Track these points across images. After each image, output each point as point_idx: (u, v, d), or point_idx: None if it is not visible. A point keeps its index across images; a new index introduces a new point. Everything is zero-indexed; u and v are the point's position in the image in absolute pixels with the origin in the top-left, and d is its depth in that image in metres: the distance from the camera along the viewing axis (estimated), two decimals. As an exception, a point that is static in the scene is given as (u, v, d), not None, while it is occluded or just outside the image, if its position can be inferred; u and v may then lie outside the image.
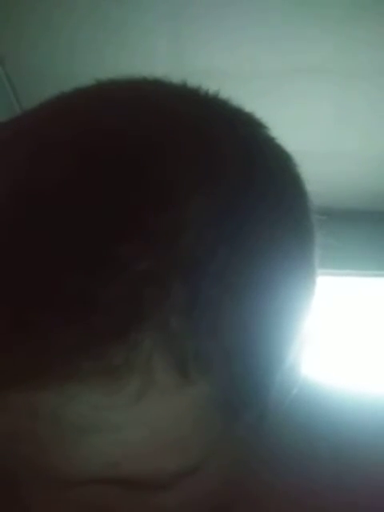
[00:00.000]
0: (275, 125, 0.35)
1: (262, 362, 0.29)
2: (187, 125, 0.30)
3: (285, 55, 1.60)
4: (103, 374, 0.26)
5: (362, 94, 1.69)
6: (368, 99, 1.71)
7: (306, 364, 0.36)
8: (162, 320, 0.26)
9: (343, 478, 0.41)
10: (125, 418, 0.27)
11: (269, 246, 0.29)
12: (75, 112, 0.31)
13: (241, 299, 0.28)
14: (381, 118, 1.77)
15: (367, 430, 0.42)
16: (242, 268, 0.28)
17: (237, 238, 0.28)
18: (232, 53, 1.60)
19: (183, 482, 0.30)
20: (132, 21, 1.54)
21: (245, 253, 0.28)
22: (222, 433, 0.30)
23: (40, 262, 0.26)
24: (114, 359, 0.26)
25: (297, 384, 0.35)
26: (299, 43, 1.56)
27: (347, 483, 0.41)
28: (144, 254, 0.26)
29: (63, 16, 1.55)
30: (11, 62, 1.69)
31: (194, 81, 0.35)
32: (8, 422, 0.27)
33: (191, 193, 0.28)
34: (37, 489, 0.30)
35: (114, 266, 0.26)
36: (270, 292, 0.29)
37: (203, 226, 0.27)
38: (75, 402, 0.27)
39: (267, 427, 0.33)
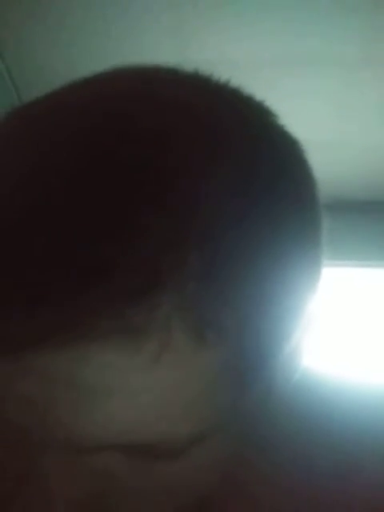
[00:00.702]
0: (279, 114, 0.35)
1: (271, 332, 0.30)
2: (196, 113, 0.31)
3: (287, 45, 1.59)
4: (122, 335, 0.27)
5: (364, 83, 1.69)
6: (370, 89, 1.70)
7: (308, 353, 0.36)
8: (179, 285, 0.27)
9: (341, 468, 0.41)
10: (141, 380, 0.28)
11: (280, 225, 0.30)
12: (89, 100, 0.32)
13: (253, 270, 0.29)
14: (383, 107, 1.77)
15: (366, 420, 0.42)
16: (255, 241, 0.29)
17: (250, 214, 0.30)
18: (234, 43, 1.60)
19: (193, 451, 0.31)
20: (135, 12, 1.54)
21: (257, 228, 0.30)
22: (231, 402, 0.30)
23: (66, 227, 0.27)
24: (133, 320, 0.27)
25: (299, 368, 0.36)
26: (301, 33, 1.56)
27: (345, 473, 0.41)
28: (163, 223, 0.27)
29: (64, 8, 1.54)
30: (12, 55, 1.69)
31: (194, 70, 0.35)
32: (25, 385, 0.28)
33: (205, 172, 0.29)
34: (52, 454, 0.30)
35: (136, 233, 0.27)
36: (280, 266, 0.30)
37: (218, 201, 0.29)
38: (93, 362, 0.27)
39: (271, 407, 0.34)
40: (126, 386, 0.28)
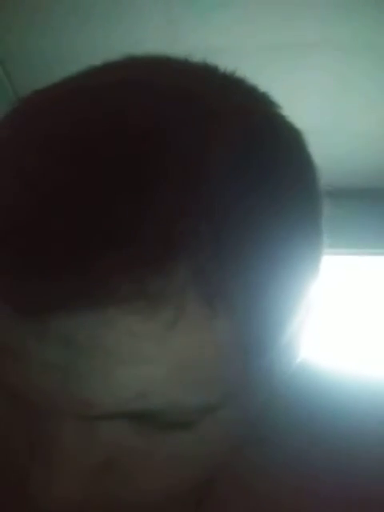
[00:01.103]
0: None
1: (276, 307, 0.31)
2: (198, 102, 0.32)
3: (283, 30, 1.59)
4: (140, 300, 0.28)
5: (362, 69, 1.68)
6: (369, 74, 1.70)
7: (307, 343, 0.37)
8: (192, 255, 0.28)
9: (340, 461, 0.41)
10: (156, 348, 0.29)
11: (284, 202, 0.32)
12: (95, 91, 0.33)
13: (260, 245, 0.30)
14: (382, 93, 1.76)
15: (365, 412, 0.43)
16: (261, 218, 0.31)
17: (255, 192, 0.31)
18: (229, 28, 1.59)
19: (202, 423, 0.32)
20: (125, 1, 1.53)
21: (263, 205, 0.31)
22: (239, 374, 0.31)
23: (85, 198, 0.29)
24: (151, 287, 0.28)
25: (299, 355, 0.36)
26: (298, 18, 1.55)
27: (344, 466, 0.41)
28: (176, 197, 0.29)
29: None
30: (3, 43, 1.68)
31: (191, 57, 0.36)
32: (45, 348, 0.29)
33: (212, 152, 0.30)
34: (65, 422, 0.31)
35: (152, 203, 0.28)
36: (284, 245, 0.31)
37: (224, 179, 0.30)
38: (111, 326, 0.28)
39: (274, 386, 0.35)
40: (141, 353, 0.29)
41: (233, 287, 0.29)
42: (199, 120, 0.31)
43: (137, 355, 0.29)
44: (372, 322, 2.07)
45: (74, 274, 0.28)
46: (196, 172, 0.30)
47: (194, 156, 0.30)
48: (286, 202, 0.32)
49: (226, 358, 0.30)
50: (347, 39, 1.61)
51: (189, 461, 0.34)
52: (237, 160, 0.31)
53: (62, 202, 0.29)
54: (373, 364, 0.49)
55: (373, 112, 1.84)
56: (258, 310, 0.30)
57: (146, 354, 0.29)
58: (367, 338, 2.05)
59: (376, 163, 2.07)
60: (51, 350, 0.29)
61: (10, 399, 0.32)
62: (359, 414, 0.42)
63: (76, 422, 0.31)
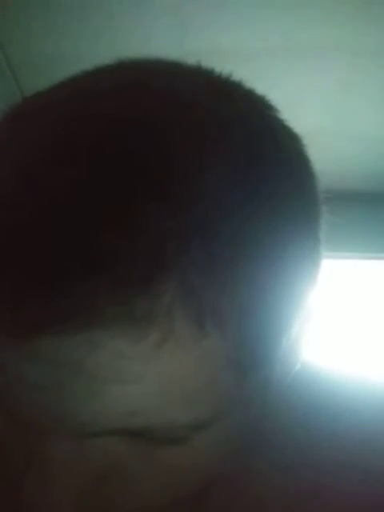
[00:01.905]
0: (278, 104, 0.36)
1: (271, 322, 0.31)
2: (196, 106, 0.32)
3: (288, 34, 1.59)
4: (126, 322, 0.28)
5: (367, 73, 1.68)
6: (374, 79, 1.69)
7: (307, 347, 0.36)
8: (182, 274, 0.28)
9: (340, 465, 0.41)
10: (144, 368, 0.29)
11: (279, 215, 0.31)
12: (99, 91, 0.33)
13: (254, 260, 0.30)
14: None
15: (366, 415, 0.43)
16: (255, 232, 0.30)
17: (249, 205, 0.30)
18: (234, 31, 1.59)
19: (194, 438, 0.32)
20: (132, 1, 1.53)
21: (257, 219, 0.30)
22: (232, 390, 0.31)
23: (70, 217, 0.28)
24: (137, 308, 0.28)
25: (298, 361, 0.36)
26: (303, 21, 1.55)
27: (344, 469, 0.41)
28: (167, 214, 0.28)
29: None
30: (11, 44, 1.68)
31: (195, 60, 0.36)
32: (32, 370, 0.29)
33: (206, 161, 0.30)
34: (55, 439, 0.31)
35: (140, 222, 0.28)
36: (281, 257, 0.31)
37: (218, 190, 0.30)
38: (99, 349, 0.28)
39: (269, 401, 0.35)
40: (131, 373, 0.29)
41: (224, 304, 0.29)
42: (198, 131, 0.31)
43: (125, 375, 0.29)
44: (371, 326, 2.06)
45: (60, 297, 0.27)
46: (191, 188, 0.29)
47: (190, 171, 0.29)
48: (283, 214, 0.31)
49: (217, 376, 0.30)
50: (351, 42, 1.61)
51: (182, 473, 0.34)
52: (234, 173, 0.30)
53: (48, 222, 0.28)
54: (372, 367, 0.49)
55: (376, 115, 1.84)
56: (252, 326, 0.30)
57: (135, 373, 0.29)
58: (366, 341, 2.04)
59: (379, 166, 2.06)
60: (40, 371, 0.29)
61: (5, 414, 0.32)
62: (359, 416, 0.42)
63: (68, 438, 0.31)
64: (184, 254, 0.28)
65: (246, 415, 0.34)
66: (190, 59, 0.35)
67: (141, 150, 0.29)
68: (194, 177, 0.29)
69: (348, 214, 2.02)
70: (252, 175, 0.31)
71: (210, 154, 0.30)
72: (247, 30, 1.59)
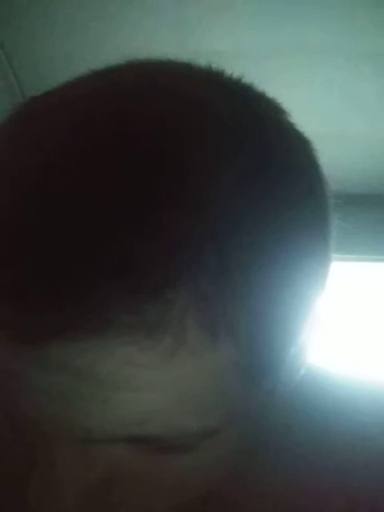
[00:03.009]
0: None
1: (282, 328, 0.31)
2: (209, 108, 0.32)
3: (290, 36, 1.58)
4: (138, 330, 0.27)
5: (369, 75, 1.68)
6: (376, 81, 1.69)
7: (312, 350, 0.36)
8: (194, 281, 0.28)
9: (344, 467, 0.41)
10: (155, 376, 0.28)
11: (290, 221, 0.31)
12: (112, 92, 0.33)
13: (266, 266, 0.30)
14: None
15: (369, 418, 0.42)
16: (267, 239, 0.30)
17: (262, 211, 0.30)
18: (236, 34, 1.59)
19: (202, 445, 0.32)
20: (135, 2, 1.53)
21: (269, 225, 0.30)
22: (241, 399, 0.31)
23: (84, 224, 0.28)
24: (150, 315, 0.27)
25: (304, 365, 0.36)
26: (305, 24, 1.55)
27: (348, 472, 0.41)
28: (179, 220, 0.28)
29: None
30: (12, 43, 1.68)
31: (198, 62, 0.35)
32: (43, 376, 0.29)
33: (218, 167, 0.30)
34: (63, 446, 0.31)
35: (153, 229, 0.28)
36: (292, 264, 0.31)
37: (230, 197, 0.29)
38: (110, 356, 0.28)
39: (275, 404, 0.35)
40: (142, 381, 0.29)
41: (236, 311, 0.29)
42: (212, 134, 0.31)
43: (135, 383, 0.28)
44: (373, 328, 2.06)
45: (72, 303, 0.27)
46: (203, 193, 0.29)
47: (203, 176, 0.29)
48: (294, 220, 0.31)
49: (228, 383, 0.30)
50: (354, 45, 1.60)
51: (188, 478, 0.34)
52: (246, 178, 0.30)
53: (61, 227, 0.28)
54: (375, 369, 0.49)
55: (377, 118, 1.84)
56: (263, 333, 0.30)
57: (145, 381, 0.28)
58: (369, 343, 2.04)
59: (381, 169, 2.06)
60: (49, 376, 0.29)
61: (10, 419, 0.32)
62: (362, 416, 0.42)
63: (75, 444, 0.31)
64: (196, 261, 0.28)
65: (253, 422, 0.34)
66: (192, 60, 0.35)
67: (154, 154, 0.29)
68: (208, 181, 0.29)
69: (350, 216, 2.02)
70: (264, 180, 0.31)
71: (223, 158, 0.30)
72: (249, 32, 1.59)
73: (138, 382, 0.28)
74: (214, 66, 0.35)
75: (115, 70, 0.35)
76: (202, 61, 0.35)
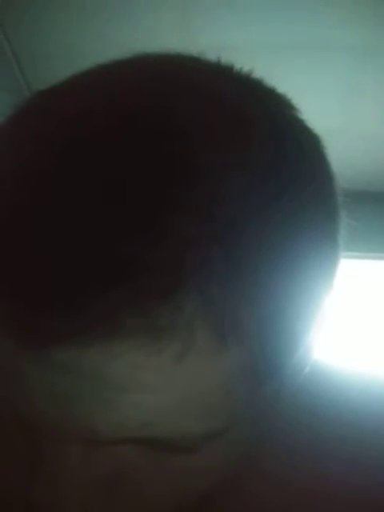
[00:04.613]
0: None
1: (290, 331, 0.30)
2: (220, 103, 0.31)
3: (295, 30, 1.58)
4: (147, 334, 0.27)
5: (373, 70, 1.67)
6: (379, 76, 1.69)
7: (317, 347, 0.36)
8: (203, 285, 0.28)
9: (347, 464, 0.41)
10: (163, 379, 0.28)
11: (300, 221, 0.30)
12: (122, 86, 0.32)
13: (274, 269, 0.29)
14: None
15: (374, 415, 0.42)
16: (276, 240, 0.29)
17: (271, 212, 0.30)
18: (241, 28, 1.59)
19: (207, 446, 0.32)
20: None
21: (278, 226, 0.30)
22: (247, 401, 0.31)
23: (91, 228, 0.28)
24: (158, 320, 0.27)
25: (309, 363, 0.36)
26: (309, 18, 1.54)
27: (349, 466, 0.41)
28: (188, 222, 0.28)
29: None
30: (18, 40, 1.68)
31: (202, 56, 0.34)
32: (51, 379, 0.28)
33: (227, 168, 0.29)
34: (68, 445, 0.31)
35: (161, 232, 0.27)
36: (301, 265, 0.30)
37: (239, 199, 0.29)
38: (117, 360, 0.28)
39: (279, 402, 0.34)
40: (149, 384, 0.28)
41: (245, 314, 0.28)
42: (223, 130, 0.30)
43: (142, 386, 0.28)
44: (374, 325, 2.07)
45: (80, 307, 0.27)
46: (212, 194, 0.28)
47: (212, 175, 0.29)
48: (304, 220, 0.31)
49: (235, 385, 0.30)
50: (360, 40, 1.60)
51: (192, 479, 0.33)
52: (256, 178, 0.30)
53: (68, 230, 0.28)
54: (376, 364, 0.49)
55: (381, 115, 1.83)
56: (271, 336, 0.30)
57: (152, 384, 0.28)
58: (373, 341, 2.04)
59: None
60: (53, 377, 0.28)
61: (13, 419, 0.32)
62: (364, 413, 0.42)
63: (80, 444, 0.31)
64: (205, 265, 0.28)
65: (259, 422, 0.34)
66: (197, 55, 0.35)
67: (164, 153, 0.29)
68: (217, 182, 0.29)
69: (357, 213, 2.01)
70: (275, 181, 0.30)
71: (234, 157, 0.30)
72: (254, 27, 1.59)
73: (145, 384, 0.28)
74: (222, 60, 0.34)
75: (123, 63, 0.34)
76: (205, 55, 0.34)
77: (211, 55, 0.35)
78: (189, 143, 0.29)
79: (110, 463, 0.32)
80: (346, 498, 0.40)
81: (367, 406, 0.42)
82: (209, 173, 0.29)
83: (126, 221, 0.28)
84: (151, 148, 0.29)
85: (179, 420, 0.30)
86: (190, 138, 0.29)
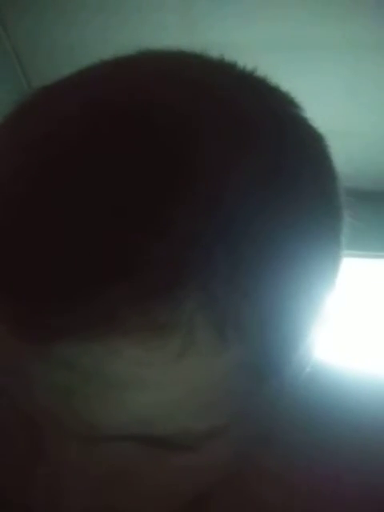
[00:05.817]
0: None
1: (291, 328, 0.30)
2: (224, 100, 0.31)
3: (296, 29, 1.58)
4: (147, 330, 0.27)
5: (374, 69, 1.67)
6: (381, 75, 1.69)
7: (318, 346, 0.36)
8: (204, 282, 0.27)
9: (345, 462, 0.41)
10: (163, 376, 0.28)
11: (303, 219, 0.30)
12: (126, 82, 0.32)
13: (276, 266, 0.29)
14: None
15: (376, 415, 0.42)
16: (279, 238, 0.29)
17: (274, 209, 0.29)
18: (242, 26, 1.59)
19: (208, 444, 0.31)
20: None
21: (281, 224, 0.29)
22: (248, 398, 0.31)
23: (92, 223, 0.28)
24: (159, 316, 0.27)
25: (310, 362, 0.36)
26: (310, 17, 1.54)
27: (349, 467, 0.41)
28: (190, 218, 0.27)
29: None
30: (19, 37, 1.68)
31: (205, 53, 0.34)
32: (52, 375, 0.28)
33: (230, 164, 0.29)
34: (68, 441, 0.31)
35: (163, 228, 0.27)
36: (302, 263, 0.30)
37: (241, 195, 0.29)
38: (118, 356, 0.28)
39: (280, 401, 0.34)
40: (149, 381, 0.28)
41: (246, 311, 0.28)
42: (227, 127, 0.30)
43: (142, 382, 0.28)
44: (374, 324, 2.07)
45: (80, 303, 0.27)
46: (215, 189, 0.28)
47: (216, 171, 0.29)
48: (307, 219, 0.30)
49: (236, 383, 0.30)
50: (362, 38, 1.60)
51: (192, 476, 0.33)
52: (260, 175, 0.29)
53: (70, 225, 0.28)
54: (376, 364, 0.48)
55: (381, 113, 1.83)
56: (272, 333, 0.29)
57: (152, 381, 0.28)
58: (374, 339, 2.04)
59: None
60: (54, 373, 0.28)
61: (14, 415, 0.32)
62: (365, 413, 0.42)
63: (80, 440, 0.31)
64: (206, 261, 0.27)
65: (260, 421, 0.34)
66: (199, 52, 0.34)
67: (167, 149, 0.29)
68: (221, 179, 0.29)
69: (358, 212, 2.01)
70: (278, 179, 0.30)
71: (234, 156, 0.29)
72: (257, 25, 1.59)
73: (145, 381, 0.28)
74: (225, 57, 0.34)
75: (125, 60, 0.34)
76: (208, 52, 0.34)
77: (214, 53, 0.34)
78: (192, 140, 0.29)
79: (109, 460, 0.32)
80: (346, 498, 0.40)
81: (367, 405, 0.42)
82: (212, 170, 0.29)
83: (128, 217, 0.27)
84: (154, 144, 0.29)
85: (179, 417, 0.29)
86: (193, 135, 0.29)
